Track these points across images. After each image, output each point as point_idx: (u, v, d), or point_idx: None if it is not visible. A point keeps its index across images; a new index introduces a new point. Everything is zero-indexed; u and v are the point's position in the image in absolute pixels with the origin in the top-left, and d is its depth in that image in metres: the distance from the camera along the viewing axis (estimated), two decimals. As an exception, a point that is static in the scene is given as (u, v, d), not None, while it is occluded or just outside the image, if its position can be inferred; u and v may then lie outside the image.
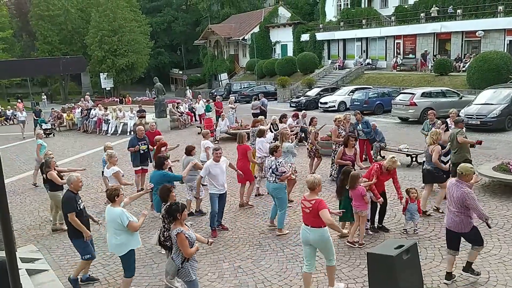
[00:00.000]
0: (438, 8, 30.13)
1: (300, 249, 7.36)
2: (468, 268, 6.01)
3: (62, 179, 8.66)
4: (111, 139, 20.72)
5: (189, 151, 9.12)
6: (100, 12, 45.93)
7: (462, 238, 5.92)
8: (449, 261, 6.03)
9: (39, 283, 6.76)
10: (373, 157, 12.48)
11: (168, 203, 5.83)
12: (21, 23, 56.71)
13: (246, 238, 8.00)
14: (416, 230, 7.69)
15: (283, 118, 13.15)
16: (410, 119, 19.65)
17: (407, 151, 12.35)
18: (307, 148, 11.86)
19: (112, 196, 5.87)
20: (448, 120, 11.39)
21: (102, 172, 9.71)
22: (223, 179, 8.22)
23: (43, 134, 13.94)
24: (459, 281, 6.02)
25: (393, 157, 7.60)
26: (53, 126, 24.36)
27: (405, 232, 7.72)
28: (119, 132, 22.24)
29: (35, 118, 23.82)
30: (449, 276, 5.98)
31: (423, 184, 10.02)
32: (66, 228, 6.73)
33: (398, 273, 5.01)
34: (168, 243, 5.90)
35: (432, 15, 30.10)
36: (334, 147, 10.84)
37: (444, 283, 5.96)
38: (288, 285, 6.28)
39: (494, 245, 7.01)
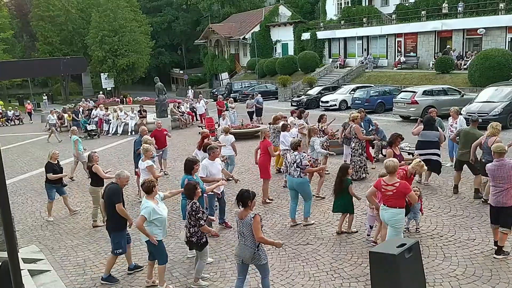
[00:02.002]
0: (447, 5, 29.52)
1: (302, 248, 7.37)
2: (500, 251, 6.52)
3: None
4: (112, 139, 20.78)
5: (206, 147, 9.19)
6: (100, 12, 45.99)
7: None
8: (495, 232, 6.63)
9: (41, 284, 6.77)
10: (374, 155, 12.46)
11: (193, 201, 6.10)
12: (22, 23, 56.85)
13: (248, 238, 7.98)
14: (418, 228, 7.68)
15: (302, 113, 13.11)
16: (411, 118, 19.60)
17: (409, 149, 12.31)
18: None
19: (150, 188, 6.10)
20: (450, 118, 11.40)
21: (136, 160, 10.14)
22: (219, 178, 8.18)
23: (77, 131, 14.23)
24: (462, 279, 6.02)
25: (420, 161, 7.47)
26: (98, 127, 22.83)
27: (407, 231, 7.71)
28: (120, 132, 22.25)
29: (76, 118, 23.09)
30: (496, 243, 6.64)
31: (427, 182, 10.02)
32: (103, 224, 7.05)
33: (400, 272, 5.00)
34: (193, 239, 6.10)
35: (443, 11, 29.56)
36: (353, 145, 10.74)
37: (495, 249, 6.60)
38: (290, 284, 6.27)
39: (490, 241, 6.99)
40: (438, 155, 9.77)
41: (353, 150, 10.74)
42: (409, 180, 7.44)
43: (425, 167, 7.65)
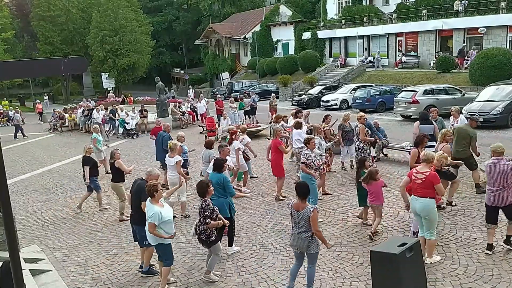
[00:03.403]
0: (461, 2, 28.92)
1: (303, 248, 7.37)
2: (508, 240, 6.62)
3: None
4: (113, 139, 20.78)
5: (210, 144, 9.27)
6: (101, 12, 46.01)
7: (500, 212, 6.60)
8: (489, 234, 6.66)
9: (43, 283, 6.78)
10: (375, 155, 12.46)
11: (204, 199, 6.22)
12: (23, 24, 56.89)
13: (249, 237, 8.00)
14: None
15: (298, 113, 13.11)
16: (412, 117, 19.58)
17: (410, 149, 12.30)
18: None
19: (151, 192, 6.06)
20: (451, 118, 11.39)
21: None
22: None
23: (98, 129, 14.34)
24: (463, 279, 6.01)
25: (443, 152, 7.37)
26: (138, 127, 21.94)
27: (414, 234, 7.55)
28: (120, 132, 22.23)
29: (113, 117, 22.34)
30: (490, 247, 6.62)
31: None
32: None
33: (401, 271, 5.00)
34: (203, 236, 6.15)
35: (455, 9, 29.17)
36: (362, 145, 10.71)
37: (486, 252, 6.59)
38: (291, 284, 6.27)
39: (498, 242, 6.97)
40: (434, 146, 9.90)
41: (361, 150, 10.69)
42: None
43: (449, 159, 7.57)
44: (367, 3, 37.69)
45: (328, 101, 26.16)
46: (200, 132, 20.27)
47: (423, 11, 30.75)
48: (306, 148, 8.43)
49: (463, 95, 20.05)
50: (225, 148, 8.43)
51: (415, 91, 20.06)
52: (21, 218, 10.04)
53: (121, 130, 21.66)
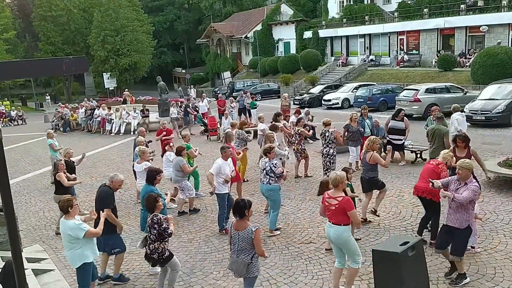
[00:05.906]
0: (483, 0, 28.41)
1: (305, 247, 7.36)
2: (462, 277, 5.81)
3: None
4: (114, 139, 20.83)
5: (179, 151, 9.15)
6: (102, 12, 46.09)
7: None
8: (446, 255, 5.97)
9: (45, 283, 6.78)
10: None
11: (154, 213, 5.79)
12: (24, 24, 57.01)
13: (251, 236, 7.97)
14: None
15: (278, 116, 12.70)
16: (414, 115, 19.56)
17: (412, 148, 12.30)
18: (293, 149, 11.33)
19: (65, 208, 5.51)
20: (453, 116, 11.38)
21: (133, 165, 9.88)
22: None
23: (53, 134, 13.52)
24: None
25: (449, 151, 7.09)
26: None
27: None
28: (122, 132, 22.28)
29: (191, 112, 20.73)
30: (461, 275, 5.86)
31: None
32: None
33: (403, 270, 4.99)
34: (154, 255, 5.74)
35: (479, 5, 28.56)
36: (332, 151, 10.20)
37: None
38: (294, 283, 6.27)
39: (500, 241, 6.97)
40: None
41: (331, 157, 10.14)
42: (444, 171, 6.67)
43: (454, 158, 6.91)
44: (368, 2, 37.66)
45: (329, 100, 26.16)
46: (201, 132, 20.27)
47: (425, 10, 30.70)
48: (268, 159, 7.79)
49: (465, 93, 20.01)
50: (227, 150, 8.28)
51: (416, 89, 20.05)
52: (24, 217, 10.06)
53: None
